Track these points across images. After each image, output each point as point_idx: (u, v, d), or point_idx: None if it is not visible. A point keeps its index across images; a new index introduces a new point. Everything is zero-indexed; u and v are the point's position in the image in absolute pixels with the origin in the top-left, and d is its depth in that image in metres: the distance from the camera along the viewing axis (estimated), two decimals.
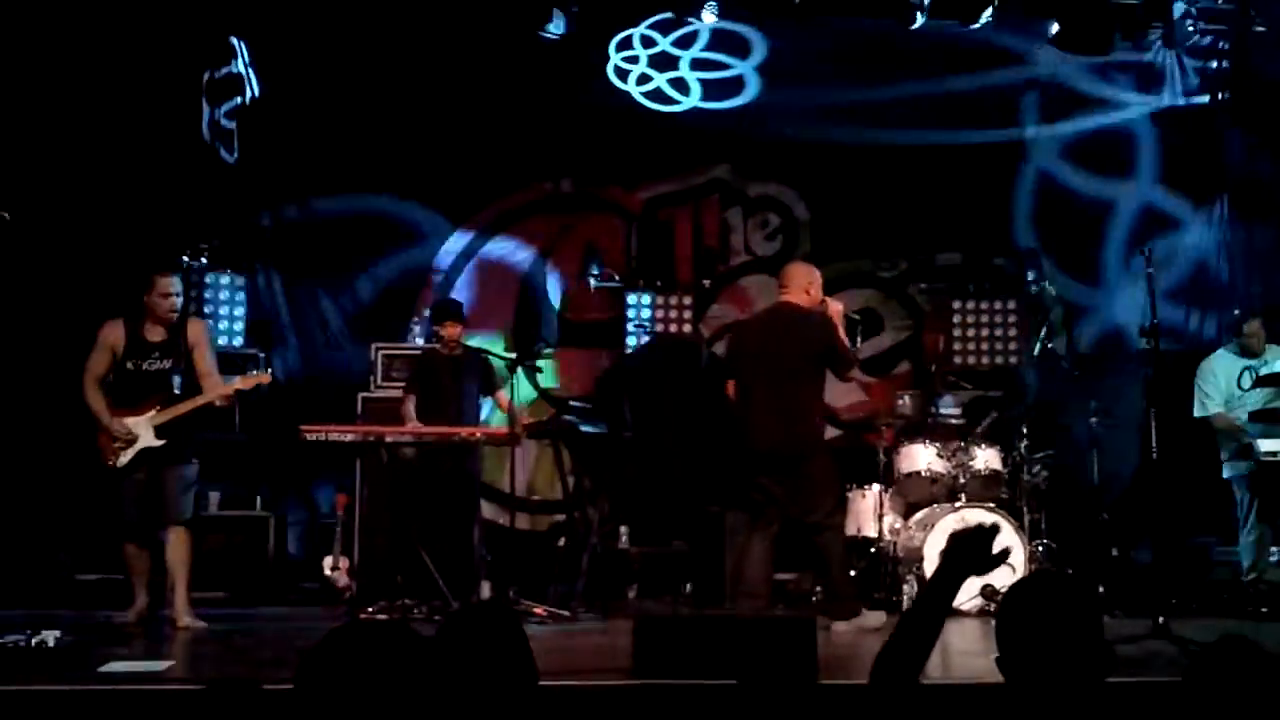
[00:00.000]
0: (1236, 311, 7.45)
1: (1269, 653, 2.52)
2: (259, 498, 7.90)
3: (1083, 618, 2.51)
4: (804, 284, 6.49)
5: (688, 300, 9.03)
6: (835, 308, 6.52)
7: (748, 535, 6.42)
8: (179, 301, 6.48)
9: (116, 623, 6.16)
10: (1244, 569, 7.03)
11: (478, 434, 6.99)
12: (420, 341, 8.30)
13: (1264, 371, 7.10)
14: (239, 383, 6.47)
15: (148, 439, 6.28)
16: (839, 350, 6.38)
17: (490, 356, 7.47)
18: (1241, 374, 7.14)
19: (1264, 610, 6.72)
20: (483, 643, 2.27)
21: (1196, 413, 7.22)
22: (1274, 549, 7.08)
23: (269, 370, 6.49)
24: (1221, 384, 7.19)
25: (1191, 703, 2.52)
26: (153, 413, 6.29)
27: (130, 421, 6.27)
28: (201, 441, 6.51)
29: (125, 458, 6.28)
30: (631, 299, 8.87)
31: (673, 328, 8.96)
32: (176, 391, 6.32)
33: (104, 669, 4.70)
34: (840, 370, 6.46)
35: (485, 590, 6.86)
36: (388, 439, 6.95)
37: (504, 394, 7.19)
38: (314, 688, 2.09)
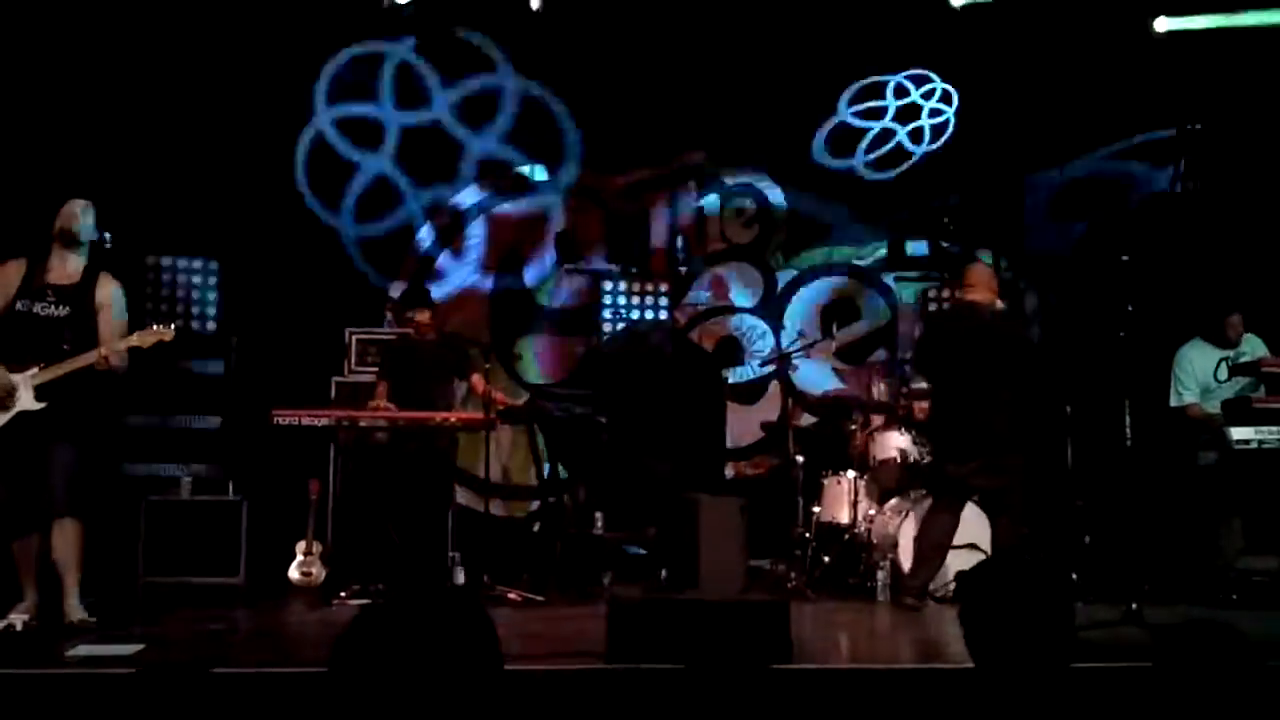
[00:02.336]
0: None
1: (1240, 635, 2.52)
2: (230, 483, 7.84)
3: (1046, 602, 2.51)
4: (991, 284, 6.73)
5: (664, 287, 9.02)
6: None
7: (939, 508, 6.69)
8: (82, 225, 5.59)
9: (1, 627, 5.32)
10: (1216, 557, 7.06)
11: (452, 418, 6.95)
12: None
13: (1241, 361, 7.12)
14: (135, 339, 5.51)
15: (26, 400, 5.38)
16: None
17: (464, 341, 7.45)
18: (1219, 365, 7.15)
19: (1234, 597, 6.75)
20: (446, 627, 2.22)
21: (1172, 402, 7.25)
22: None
23: (173, 326, 5.63)
24: (1198, 374, 7.21)
25: (1161, 685, 2.52)
26: (35, 370, 5.40)
27: (14, 378, 5.39)
28: (96, 417, 5.71)
29: (1, 420, 5.40)
30: (607, 285, 8.88)
31: (648, 314, 8.96)
32: (66, 348, 5.45)
33: (71, 653, 4.66)
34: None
35: (459, 575, 6.84)
36: (361, 423, 6.91)
37: (479, 378, 7.16)
38: (353, 665, 2.05)
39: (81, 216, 5.62)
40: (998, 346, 6.56)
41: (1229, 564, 6.97)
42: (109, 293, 5.63)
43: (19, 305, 5.49)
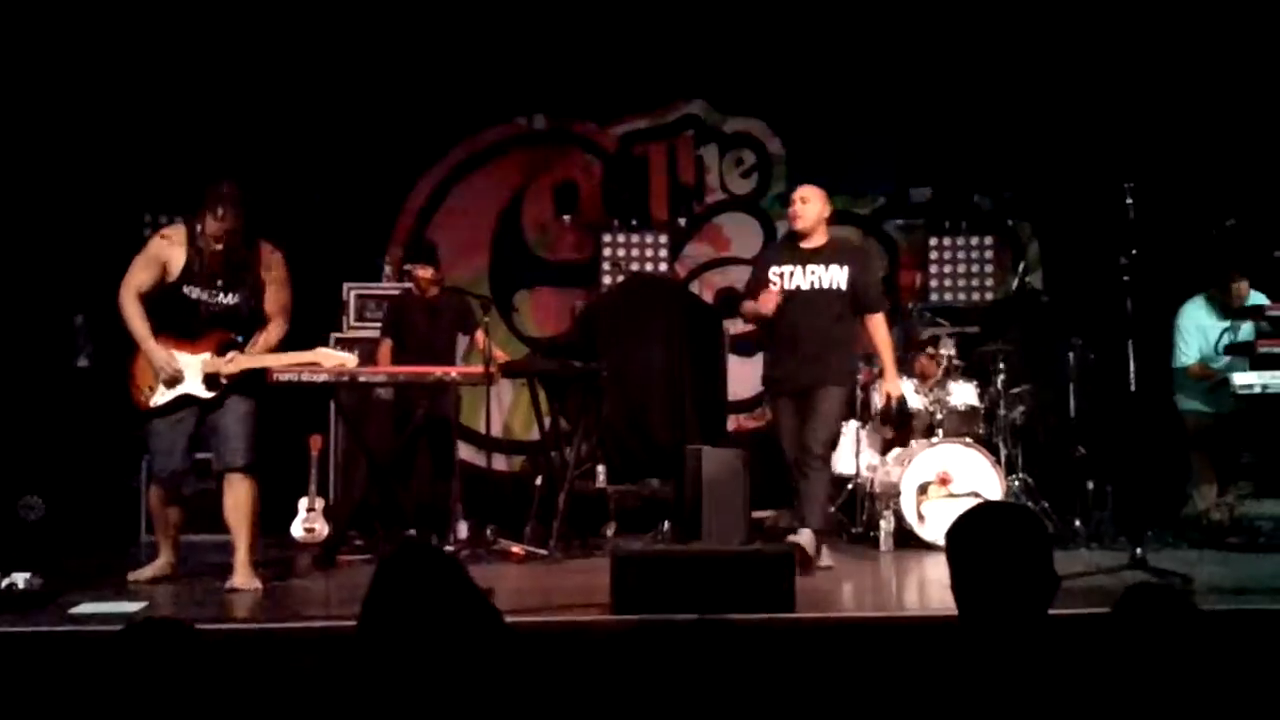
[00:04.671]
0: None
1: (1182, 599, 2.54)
2: None
3: (1027, 548, 2.52)
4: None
5: (663, 238, 8.97)
6: None
7: None
8: (237, 207, 5.21)
9: (130, 580, 5.49)
10: (1196, 502, 7.07)
11: (453, 373, 6.92)
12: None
13: (1238, 342, 6.88)
14: (316, 356, 5.47)
15: (193, 386, 5.27)
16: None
17: (467, 296, 7.41)
18: (1221, 336, 7.04)
19: (1231, 541, 6.73)
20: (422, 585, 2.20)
21: (1174, 363, 7.25)
22: (1241, 483, 7.10)
23: (356, 353, 5.66)
24: (1199, 336, 7.20)
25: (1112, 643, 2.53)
26: (208, 355, 5.26)
27: (180, 357, 5.25)
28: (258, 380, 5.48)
29: (160, 398, 5.27)
30: (606, 237, 8.83)
31: (648, 266, 8.92)
32: (239, 338, 5.32)
33: (74, 611, 4.65)
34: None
35: (462, 530, 6.83)
36: (361, 379, 6.87)
37: (481, 333, 7.12)
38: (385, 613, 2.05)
39: (235, 200, 5.22)
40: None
41: (1209, 508, 6.97)
42: (274, 271, 5.40)
43: (185, 290, 5.24)
